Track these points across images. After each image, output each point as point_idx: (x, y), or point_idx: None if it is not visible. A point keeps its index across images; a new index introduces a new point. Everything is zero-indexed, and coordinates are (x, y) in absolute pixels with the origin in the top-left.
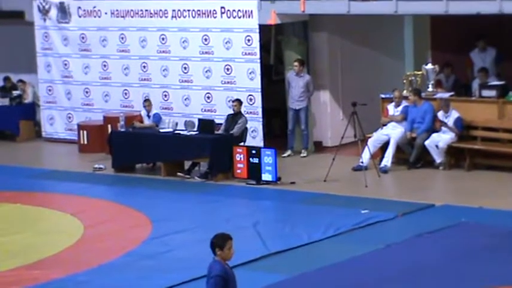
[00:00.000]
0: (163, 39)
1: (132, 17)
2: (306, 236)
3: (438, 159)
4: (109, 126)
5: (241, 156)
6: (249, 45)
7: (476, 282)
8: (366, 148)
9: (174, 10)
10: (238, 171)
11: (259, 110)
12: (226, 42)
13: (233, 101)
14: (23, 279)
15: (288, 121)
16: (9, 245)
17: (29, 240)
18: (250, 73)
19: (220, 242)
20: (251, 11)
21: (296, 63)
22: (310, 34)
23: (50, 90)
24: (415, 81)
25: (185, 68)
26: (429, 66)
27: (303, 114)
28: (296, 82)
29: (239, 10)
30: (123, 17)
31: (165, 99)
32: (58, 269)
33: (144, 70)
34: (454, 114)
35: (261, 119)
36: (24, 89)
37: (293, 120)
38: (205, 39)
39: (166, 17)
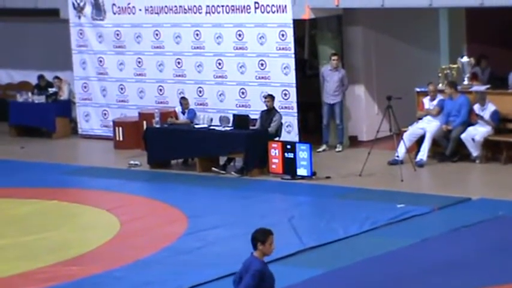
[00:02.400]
0: (197, 35)
1: (166, 13)
2: (342, 231)
3: (474, 153)
4: (144, 122)
5: (276, 151)
6: (283, 40)
7: None
8: (402, 142)
9: (208, 6)
10: (274, 166)
11: (294, 105)
12: (260, 38)
13: (265, 97)
14: (61, 275)
15: (323, 116)
16: (46, 241)
17: (66, 237)
18: (284, 68)
19: (262, 236)
20: (285, 6)
21: (335, 57)
22: (344, 28)
23: (85, 87)
24: (451, 74)
25: (219, 63)
26: (465, 59)
27: (337, 108)
28: (331, 77)
29: (273, 5)
30: (157, 13)
31: (200, 95)
32: (95, 265)
33: (179, 66)
34: (491, 108)
35: (295, 114)
36: (60, 86)
37: (328, 115)
38: (239, 35)
39: (200, 13)
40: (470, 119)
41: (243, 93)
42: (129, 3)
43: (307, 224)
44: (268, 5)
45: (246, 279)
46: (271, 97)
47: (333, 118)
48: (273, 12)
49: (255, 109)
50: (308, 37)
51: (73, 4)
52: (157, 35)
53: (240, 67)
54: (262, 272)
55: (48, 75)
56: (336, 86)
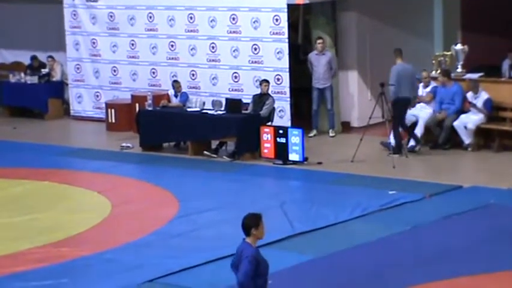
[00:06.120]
0: (191, 18)
1: None
2: (333, 217)
3: (467, 140)
4: (137, 105)
5: (269, 136)
6: (277, 24)
7: (505, 264)
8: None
9: None
10: (265, 151)
11: (287, 90)
12: (254, 22)
13: (263, 82)
14: (51, 256)
15: (313, 101)
16: (37, 222)
17: (57, 218)
18: (277, 53)
19: (255, 221)
20: None
21: (320, 41)
22: (338, 14)
23: (78, 68)
24: (444, 61)
25: (213, 47)
26: (458, 46)
27: (328, 93)
28: (318, 61)
29: None
30: None
31: (193, 78)
32: (85, 246)
33: (172, 49)
34: (484, 96)
35: (288, 99)
36: (53, 66)
37: (318, 100)
38: (233, 19)
39: None
40: (463, 107)
41: (236, 77)
42: None
43: (298, 209)
44: None
45: (244, 265)
46: (268, 82)
47: (323, 103)
48: None
49: (248, 93)
50: (302, 22)
51: None
52: (150, 17)
53: (234, 51)
54: (256, 258)
55: (41, 56)
56: (324, 70)
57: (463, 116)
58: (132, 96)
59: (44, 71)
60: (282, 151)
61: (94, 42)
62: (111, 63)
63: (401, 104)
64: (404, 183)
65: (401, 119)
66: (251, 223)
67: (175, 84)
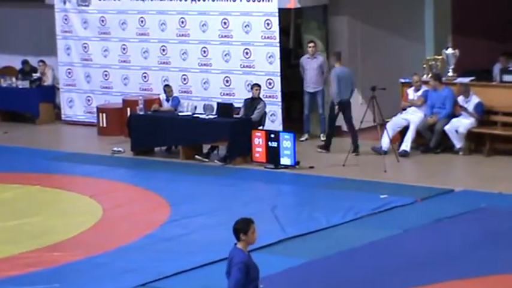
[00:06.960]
0: (182, 22)
1: (151, 0)
2: (325, 220)
3: (458, 144)
4: (128, 109)
5: (260, 140)
6: (268, 29)
7: (496, 268)
8: (385, 133)
9: None
10: (257, 155)
11: (278, 94)
12: (245, 26)
13: (255, 86)
14: (43, 260)
15: (304, 105)
16: (29, 226)
17: (48, 222)
18: (269, 57)
19: (244, 226)
20: None
21: (311, 44)
22: (329, 18)
23: (69, 73)
24: (436, 65)
25: (204, 51)
26: (449, 50)
27: (319, 97)
28: (310, 65)
29: None
30: (142, 0)
31: (184, 82)
32: (77, 251)
33: (164, 53)
34: (475, 99)
35: (280, 103)
36: (44, 70)
37: (309, 104)
38: (225, 23)
39: (185, 0)
40: (454, 111)
41: (227, 81)
42: None
43: (290, 213)
44: None
45: (234, 273)
46: (259, 86)
47: (315, 107)
48: (259, 1)
49: (239, 97)
50: (293, 26)
51: None
52: (142, 21)
53: (225, 55)
54: (246, 264)
55: (33, 61)
56: (315, 74)
57: (454, 120)
58: (124, 100)
59: (35, 75)
60: (273, 155)
61: (85, 47)
62: (102, 67)
63: (343, 106)
64: (396, 187)
65: (334, 120)
66: (240, 229)
67: (167, 88)
